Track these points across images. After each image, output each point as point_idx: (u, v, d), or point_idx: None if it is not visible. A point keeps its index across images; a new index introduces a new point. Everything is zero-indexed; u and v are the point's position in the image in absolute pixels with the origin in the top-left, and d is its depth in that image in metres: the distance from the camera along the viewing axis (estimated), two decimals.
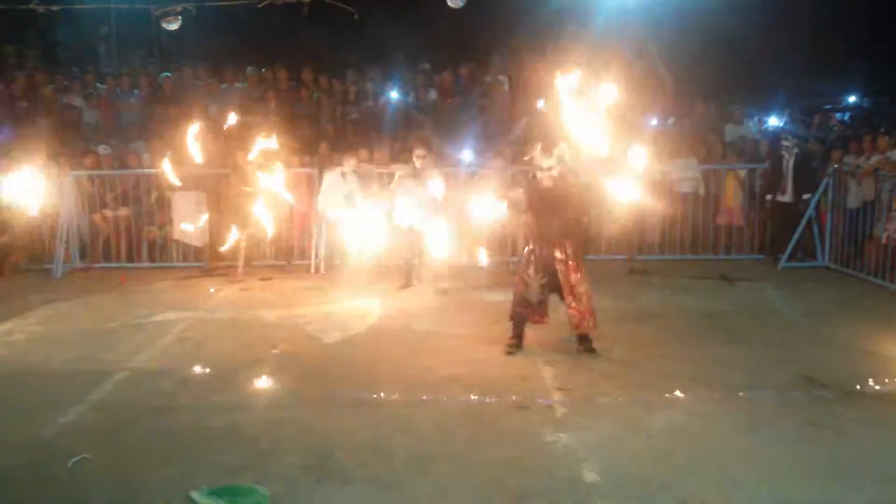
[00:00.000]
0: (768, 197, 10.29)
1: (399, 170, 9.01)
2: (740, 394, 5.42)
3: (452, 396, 5.42)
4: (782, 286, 8.87)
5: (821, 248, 10.06)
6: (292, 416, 5.11)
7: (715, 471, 4.29)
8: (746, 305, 8.08)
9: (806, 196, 9.98)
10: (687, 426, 4.89)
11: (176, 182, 9.26)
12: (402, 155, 9.90)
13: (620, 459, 4.44)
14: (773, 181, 10.18)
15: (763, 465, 4.36)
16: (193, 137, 8.94)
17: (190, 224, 9.86)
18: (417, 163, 8.57)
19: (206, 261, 9.96)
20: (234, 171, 9.41)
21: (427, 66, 12.69)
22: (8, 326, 7.33)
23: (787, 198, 10.07)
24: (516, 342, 6.42)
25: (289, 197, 9.51)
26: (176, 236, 10.22)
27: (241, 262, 9.51)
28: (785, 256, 9.91)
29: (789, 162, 10.01)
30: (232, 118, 9.39)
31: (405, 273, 8.84)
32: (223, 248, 9.49)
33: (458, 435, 4.80)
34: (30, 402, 5.38)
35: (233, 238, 9.38)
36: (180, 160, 9.10)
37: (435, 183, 8.57)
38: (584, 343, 6.33)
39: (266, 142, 9.17)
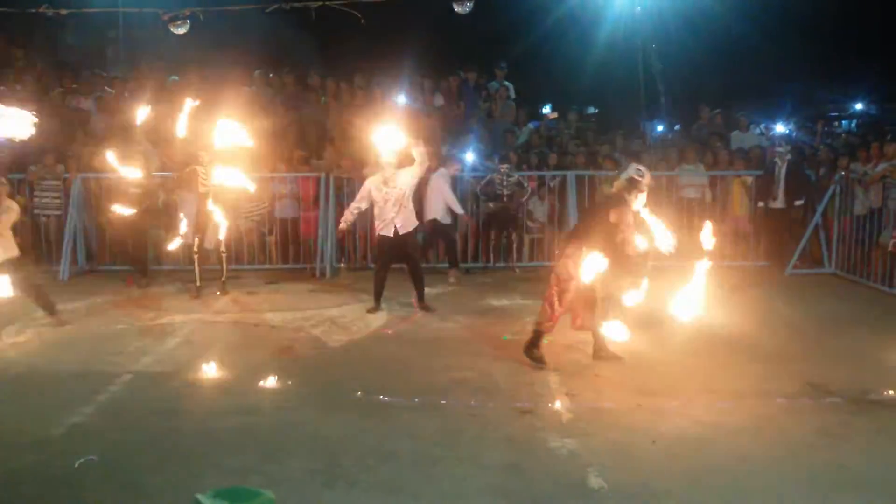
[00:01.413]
0: (760, 204, 10.19)
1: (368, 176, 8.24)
2: (747, 401, 5.40)
3: (458, 400, 5.42)
4: (789, 293, 8.86)
5: (827, 255, 10.04)
6: (298, 419, 5.11)
7: (721, 479, 4.27)
8: (753, 312, 8.04)
9: (798, 203, 9.93)
10: (693, 433, 4.88)
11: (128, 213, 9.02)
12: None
13: (626, 466, 4.42)
14: (765, 187, 10.08)
15: (770, 473, 4.35)
16: (115, 159, 8.68)
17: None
18: (383, 164, 7.71)
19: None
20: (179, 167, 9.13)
21: (460, 71, 12.56)
22: (15, 328, 7.35)
23: (778, 204, 9.98)
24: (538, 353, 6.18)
25: (249, 185, 8.61)
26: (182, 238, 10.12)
27: (197, 269, 8.80)
28: (791, 263, 9.88)
29: (782, 168, 9.93)
30: (142, 112, 8.82)
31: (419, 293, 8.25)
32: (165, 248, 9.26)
33: (464, 439, 4.80)
34: (37, 404, 5.40)
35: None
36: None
37: (403, 180, 7.76)
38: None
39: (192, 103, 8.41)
